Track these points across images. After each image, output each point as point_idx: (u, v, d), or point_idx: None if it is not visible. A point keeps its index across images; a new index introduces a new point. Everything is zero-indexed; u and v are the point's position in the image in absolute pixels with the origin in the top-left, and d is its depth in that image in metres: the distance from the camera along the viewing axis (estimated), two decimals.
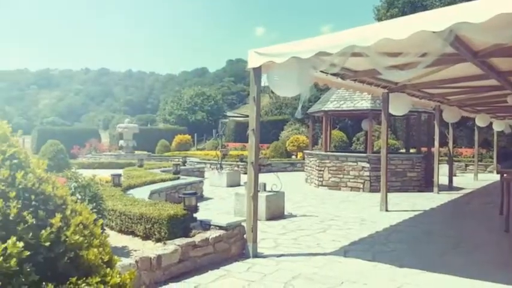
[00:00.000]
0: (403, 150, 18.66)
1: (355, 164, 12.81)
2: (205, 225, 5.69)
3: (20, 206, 1.38)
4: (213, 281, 4.72)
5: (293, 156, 23.03)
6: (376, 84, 9.07)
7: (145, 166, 13.69)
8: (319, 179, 13.45)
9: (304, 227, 7.59)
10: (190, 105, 46.45)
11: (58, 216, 1.44)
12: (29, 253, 1.30)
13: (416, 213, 9.27)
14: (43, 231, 1.38)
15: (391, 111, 9.78)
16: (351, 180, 12.82)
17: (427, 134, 16.52)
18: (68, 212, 1.53)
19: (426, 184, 13.24)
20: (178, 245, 4.94)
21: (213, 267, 5.16)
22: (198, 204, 5.84)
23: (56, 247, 1.39)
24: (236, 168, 17.57)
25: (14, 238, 1.28)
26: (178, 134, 31.11)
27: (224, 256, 5.51)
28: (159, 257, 4.63)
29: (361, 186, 12.67)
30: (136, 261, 4.31)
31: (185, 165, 15.59)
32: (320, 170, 13.42)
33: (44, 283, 1.31)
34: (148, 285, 4.40)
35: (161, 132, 33.73)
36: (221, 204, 10.25)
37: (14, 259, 1.26)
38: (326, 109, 13.95)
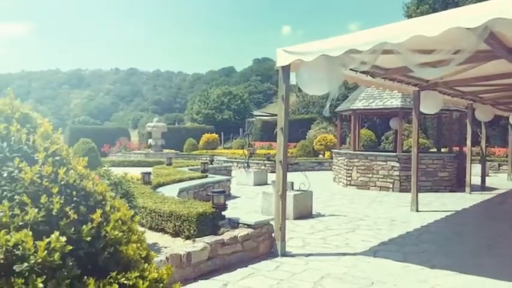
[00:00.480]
0: (434, 150, 18.27)
1: (385, 163, 12.63)
2: (234, 224, 5.71)
3: (62, 201, 1.43)
4: (242, 279, 4.73)
5: (320, 156, 22.88)
6: (407, 82, 8.90)
7: (174, 164, 13.86)
8: (348, 179, 13.32)
9: (333, 227, 7.54)
10: (217, 104, 46.77)
11: (98, 212, 1.48)
12: (71, 247, 1.34)
13: (448, 213, 9.06)
14: (84, 226, 1.42)
15: (422, 109, 9.58)
16: (380, 179, 12.65)
17: (459, 132, 16.14)
18: (108, 208, 1.57)
19: (458, 184, 12.93)
20: (208, 243, 4.98)
21: (241, 265, 5.18)
22: (226, 202, 5.87)
23: (96, 242, 1.43)
24: (263, 167, 17.61)
25: (57, 233, 1.32)
26: (206, 133, 31.39)
27: (252, 254, 5.52)
28: (188, 254, 4.68)
29: (391, 186, 12.47)
30: (166, 258, 4.38)
31: (212, 164, 15.70)
32: (348, 170, 13.29)
33: (85, 277, 1.35)
34: (179, 282, 4.45)
35: (189, 131, 34.10)
36: (248, 202, 10.28)
37: (58, 253, 1.30)
38: (355, 108, 13.78)
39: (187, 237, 5.38)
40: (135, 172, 9.49)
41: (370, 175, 12.81)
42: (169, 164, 13.68)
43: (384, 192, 12.28)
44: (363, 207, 9.73)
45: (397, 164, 12.43)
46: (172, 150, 25.09)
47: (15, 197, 1.38)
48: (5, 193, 1.38)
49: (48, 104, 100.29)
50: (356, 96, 14.63)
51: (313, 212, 8.67)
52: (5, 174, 1.41)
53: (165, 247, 5.08)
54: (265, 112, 57.43)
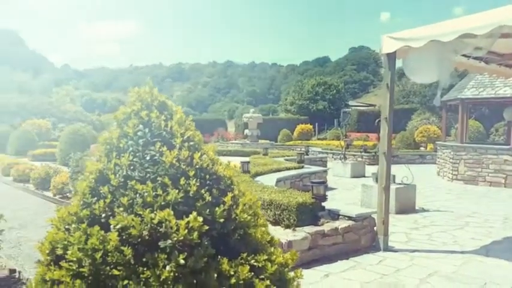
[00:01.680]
0: None
1: (496, 156, 11.65)
2: (334, 215, 5.66)
3: (198, 184, 1.52)
4: (343, 271, 4.69)
5: (422, 148, 21.71)
6: None
7: (270, 154, 14.08)
8: (454, 173, 12.51)
9: (439, 223, 7.14)
10: (312, 94, 46.33)
11: (229, 195, 1.55)
12: (207, 227, 1.42)
13: None
14: (217, 208, 1.49)
15: None
16: (491, 174, 11.70)
17: None
18: (236, 192, 1.64)
19: None
20: (308, 233, 5.01)
21: (341, 257, 5.13)
22: (326, 193, 5.81)
23: (228, 224, 1.50)
24: (360, 158, 17.17)
25: (195, 213, 1.41)
26: (300, 124, 31.38)
27: (353, 247, 5.43)
28: (289, 242, 4.74)
29: (503, 181, 11.48)
30: None
31: (308, 155, 15.68)
32: (455, 163, 12.47)
33: (219, 256, 1.42)
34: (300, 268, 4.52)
35: (283, 122, 34.38)
36: (346, 194, 10.12)
37: (196, 232, 1.38)
38: (463, 97, 12.84)
39: (287, 226, 5.43)
40: (234, 161, 9.80)
41: (479, 169, 11.90)
42: (266, 154, 13.92)
43: (495, 188, 11.34)
44: (471, 203, 9.09)
45: (511, 158, 11.39)
46: (267, 141, 25.48)
47: (158, 178, 1.49)
48: (148, 175, 1.50)
49: None
50: (464, 84, 13.63)
51: (416, 207, 8.29)
52: (147, 157, 1.53)
53: None
54: (361, 102, 55.89)
